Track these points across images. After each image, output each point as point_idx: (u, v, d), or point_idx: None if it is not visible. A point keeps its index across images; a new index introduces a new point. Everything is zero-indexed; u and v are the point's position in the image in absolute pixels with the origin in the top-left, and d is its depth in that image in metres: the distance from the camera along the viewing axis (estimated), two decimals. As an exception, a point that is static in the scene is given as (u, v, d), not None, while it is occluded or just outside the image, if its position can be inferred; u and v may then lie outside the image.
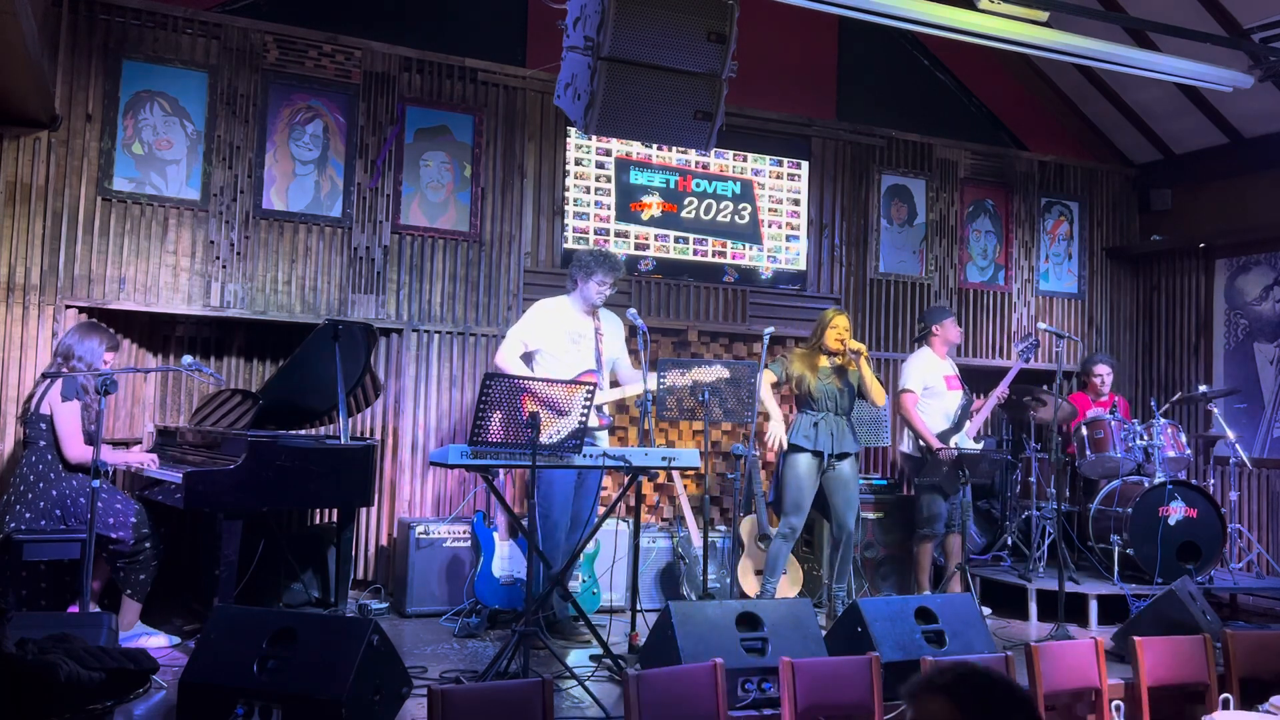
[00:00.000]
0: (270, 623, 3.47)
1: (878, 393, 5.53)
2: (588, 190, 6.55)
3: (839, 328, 5.50)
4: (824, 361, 5.52)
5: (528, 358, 5.16)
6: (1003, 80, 7.92)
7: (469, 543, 5.45)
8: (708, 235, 6.83)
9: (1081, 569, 6.34)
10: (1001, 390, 6.31)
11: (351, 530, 5.00)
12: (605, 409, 5.25)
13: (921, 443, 6.00)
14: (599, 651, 4.40)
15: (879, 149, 7.38)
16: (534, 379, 4.57)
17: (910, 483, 6.39)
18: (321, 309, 5.83)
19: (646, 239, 6.68)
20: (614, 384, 5.32)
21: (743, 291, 6.87)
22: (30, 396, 4.58)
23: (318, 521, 5.92)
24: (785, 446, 5.44)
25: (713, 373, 4.99)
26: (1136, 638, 3.84)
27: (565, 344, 5.13)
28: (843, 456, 5.46)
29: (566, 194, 6.48)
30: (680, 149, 6.64)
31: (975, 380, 7.01)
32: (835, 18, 6.47)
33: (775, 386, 5.63)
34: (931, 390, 6.07)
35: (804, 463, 5.39)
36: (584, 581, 5.33)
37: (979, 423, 6.32)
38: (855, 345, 5.47)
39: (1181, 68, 5.89)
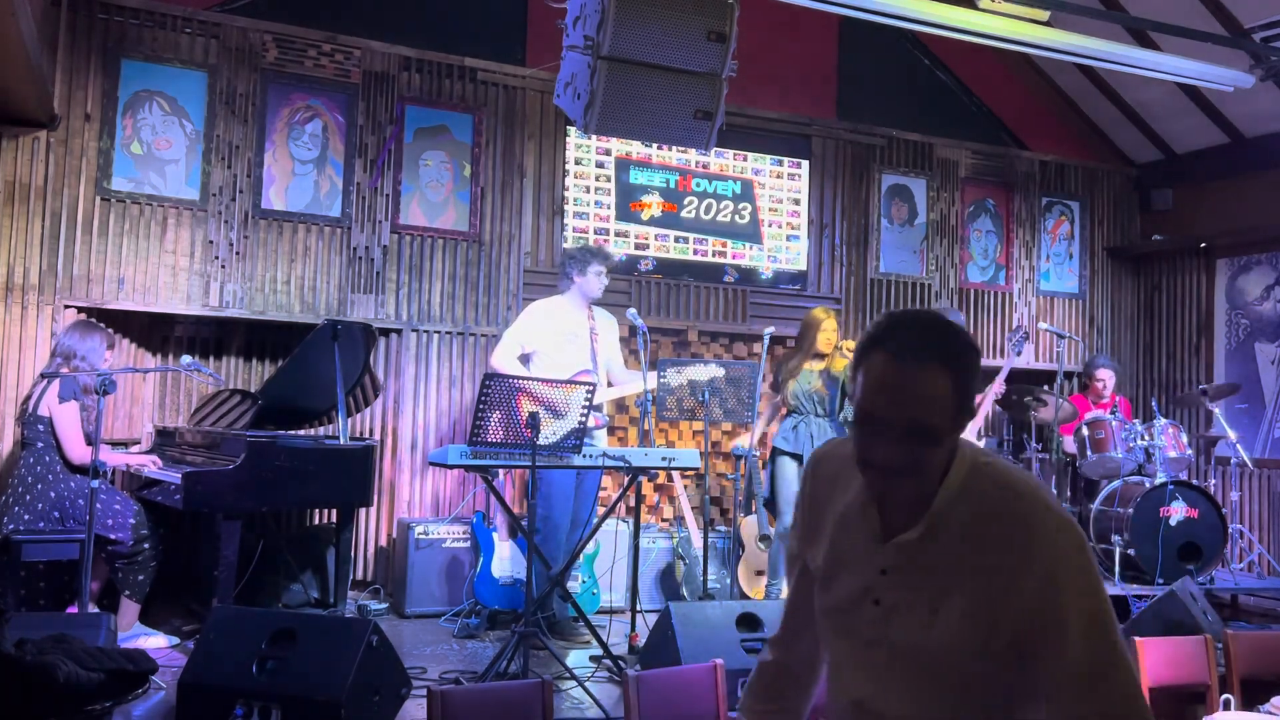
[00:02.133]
0: (269, 623, 3.46)
1: None
2: (588, 190, 6.54)
3: (829, 330, 5.48)
4: (809, 364, 5.48)
5: (524, 359, 5.15)
6: (1003, 80, 7.91)
7: (468, 543, 5.44)
8: (708, 235, 6.82)
9: (1082, 569, 6.32)
10: (998, 386, 6.30)
11: (351, 530, 4.99)
12: (603, 409, 5.24)
13: None
14: (599, 652, 4.39)
15: (879, 149, 7.37)
16: (534, 379, 4.56)
17: None
18: (321, 309, 5.82)
19: (646, 239, 6.67)
20: (609, 384, 5.31)
21: (743, 291, 6.86)
22: (28, 397, 4.58)
23: (317, 522, 5.91)
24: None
25: (708, 371, 4.98)
26: (1137, 638, 3.83)
27: (561, 344, 5.13)
28: None
29: (566, 194, 6.47)
30: (680, 149, 6.63)
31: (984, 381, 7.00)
32: (835, 17, 6.45)
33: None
34: None
35: (788, 464, 5.39)
36: (584, 582, 5.32)
37: (980, 421, 6.31)
38: (853, 346, 5.43)
39: (1182, 67, 5.88)
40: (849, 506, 1.60)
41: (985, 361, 7.41)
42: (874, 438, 1.47)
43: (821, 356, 5.47)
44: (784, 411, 5.58)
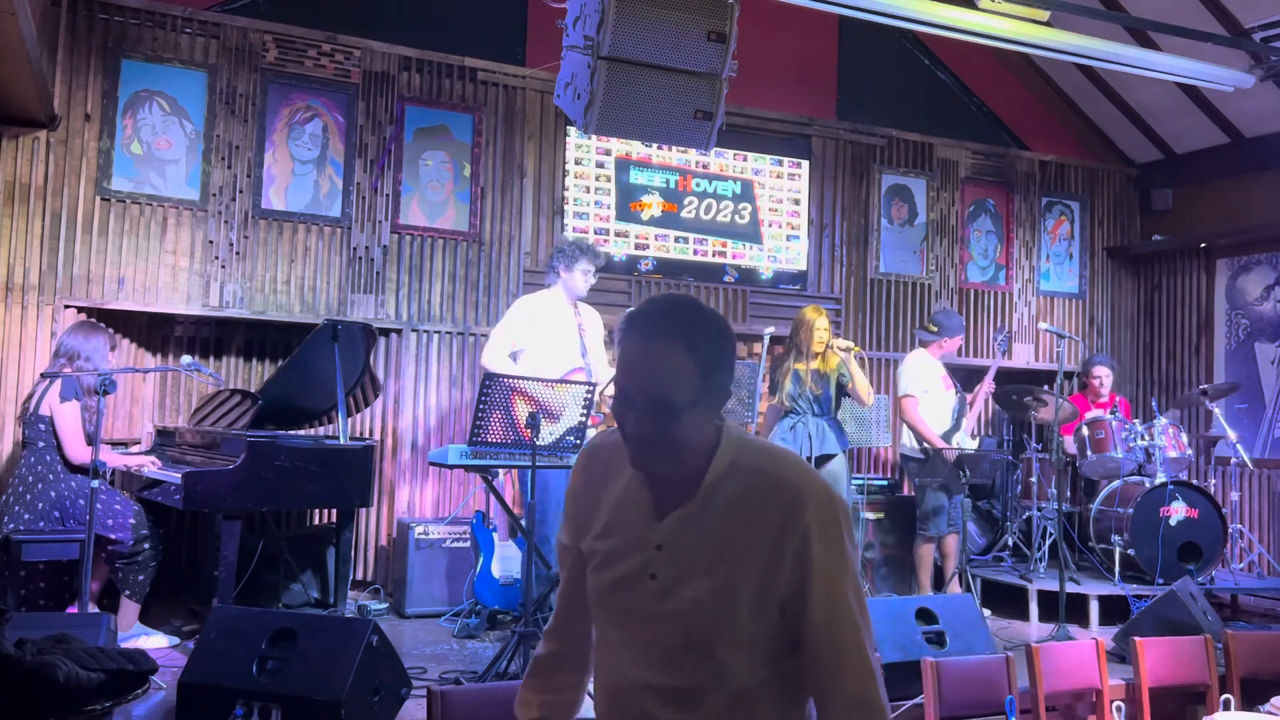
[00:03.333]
0: (269, 623, 3.46)
1: (865, 392, 5.49)
2: (588, 190, 6.54)
3: (820, 329, 5.47)
4: (800, 364, 5.47)
5: (512, 356, 5.13)
6: (1003, 80, 7.91)
7: (468, 543, 5.44)
8: (708, 235, 6.82)
9: (1082, 569, 6.33)
10: (988, 385, 6.34)
11: (351, 530, 4.99)
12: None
13: (925, 444, 5.97)
14: (599, 652, 4.38)
15: (879, 149, 7.37)
16: (534, 379, 4.55)
17: (911, 483, 6.36)
18: (321, 309, 5.83)
19: (646, 239, 6.67)
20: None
21: (743, 291, 6.86)
22: (29, 397, 4.58)
23: (317, 522, 5.91)
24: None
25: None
26: (1137, 638, 3.83)
27: (549, 340, 5.10)
28: (826, 459, 5.40)
29: (566, 193, 6.47)
30: (680, 148, 6.63)
31: (978, 380, 7.00)
32: (835, 17, 6.46)
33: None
34: (931, 393, 6.05)
35: None
36: (584, 582, 5.31)
37: (974, 420, 6.32)
38: (844, 344, 5.43)
39: (1182, 67, 5.89)
40: (625, 490, 1.67)
41: (984, 361, 7.41)
42: (626, 411, 1.58)
43: (814, 355, 5.47)
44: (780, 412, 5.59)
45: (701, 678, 1.58)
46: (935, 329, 6.19)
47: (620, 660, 1.65)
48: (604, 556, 1.67)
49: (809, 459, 5.31)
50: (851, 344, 5.46)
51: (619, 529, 1.67)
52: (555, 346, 5.09)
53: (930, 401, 6.03)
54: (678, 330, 1.56)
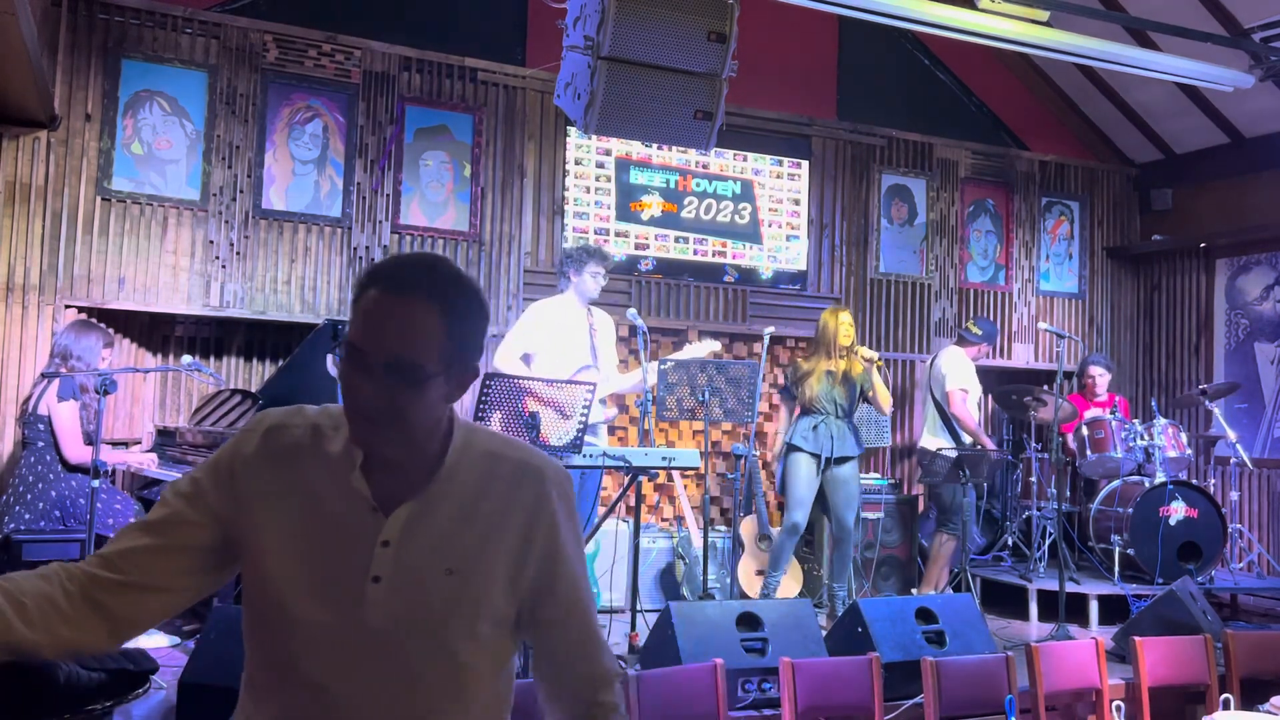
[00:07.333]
0: (269, 623, 3.46)
1: (885, 401, 5.56)
2: (588, 190, 6.55)
3: (845, 324, 5.52)
4: (829, 364, 5.51)
5: (524, 359, 5.15)
6: (1003, 80, 7.91)
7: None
8: (708, 235, 6.82)
9: (1082, 569, 6.34)
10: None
11: (351, 530, 4.98)
12: (605, 402, 5.24)
13: (967, 439, 6.07)
14: (599, 652, 4.38)
15: (879, 149, 7.37)
16: (534, 379, 4.56)
17: (932, 479, 6.27)
18: (321, 309, 5.83)
19: (646, 239, 6.67)
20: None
21: (743, 291, 6.86)
22: (28, 397, 4.58)
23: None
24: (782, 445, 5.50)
25: (708, 371, 4.98)
26: (1137, 638, 3.84)
27: (563, 342, 5.13)
28: (843, 460, 5.44)
29: (566, 194, 6.47)
30: (680, 149, 6.63)
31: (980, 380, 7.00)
32: (835, 17, 6.46)
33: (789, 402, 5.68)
34: (972, 391, 6.18)
35: (803, 462, 5.39)
36: (584, 582, 5.30)
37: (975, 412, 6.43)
38: (869, 353, 5.49)
39: (1182, 67, 5.89)
40: (330, 480, 1.44)
41: (983, 361, 7.40)
42: (356, 373, 1.37)
43: (842, 354, 5.50)
44: (798, 410, 5.61)
45: (440, 690, 1.43)
46: (979, 333, 6.41)
47: (323, 705, 1.41)
48: (298, 566, 1.41)
49: (827, 459, 5.35)
50: (875, 354, 5.51)
51: (324, 531, 1.42)
52: (567, 350, 5.11)
53: (970, 399, 6.15)
54: (433, 288, 1.38)
